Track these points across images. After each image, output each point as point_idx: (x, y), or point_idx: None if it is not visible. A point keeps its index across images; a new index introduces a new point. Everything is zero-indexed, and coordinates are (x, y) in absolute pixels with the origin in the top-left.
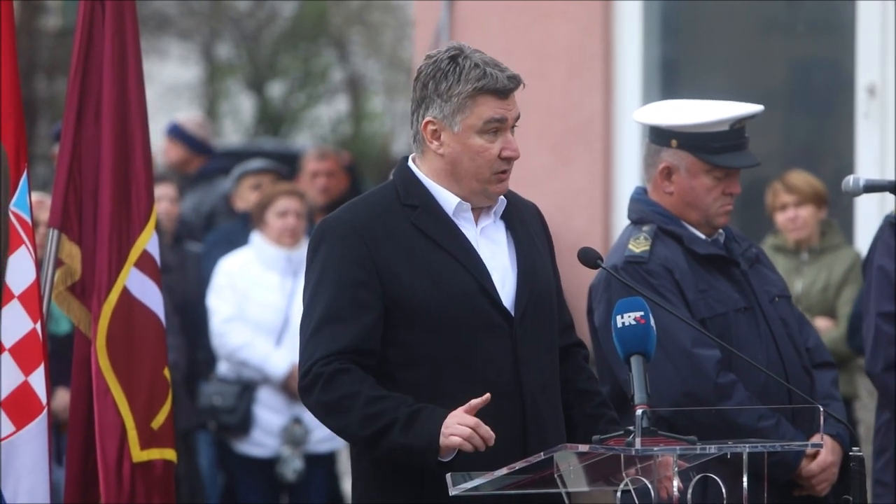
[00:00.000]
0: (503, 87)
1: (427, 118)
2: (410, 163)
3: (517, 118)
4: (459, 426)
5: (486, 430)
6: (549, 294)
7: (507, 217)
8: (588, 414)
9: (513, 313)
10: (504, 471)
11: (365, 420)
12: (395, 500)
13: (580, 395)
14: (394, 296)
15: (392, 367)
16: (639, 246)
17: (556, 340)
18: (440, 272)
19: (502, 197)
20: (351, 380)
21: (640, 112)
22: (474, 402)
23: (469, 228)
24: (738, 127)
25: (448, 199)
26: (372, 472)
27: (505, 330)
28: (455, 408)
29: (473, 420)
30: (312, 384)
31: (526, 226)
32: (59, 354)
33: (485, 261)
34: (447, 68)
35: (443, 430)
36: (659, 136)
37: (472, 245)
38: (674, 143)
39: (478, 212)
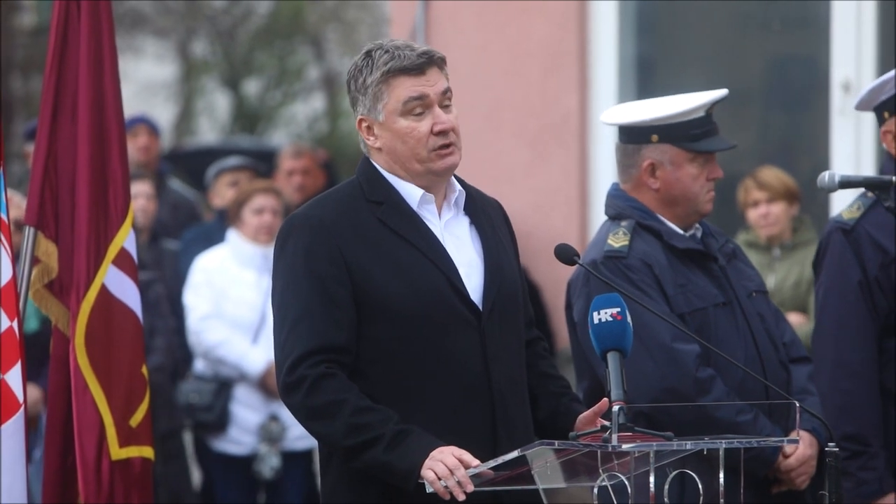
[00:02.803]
0: (412, 65)
1: (359, 117)
2: (372, 159)
3: (444, 91)
4: (440, 464)
5: (464, 476)
6: (516, 289)
7: (470, 212)
8: (552, 392)
9: (480, 308)
10: (481, 468)
11: (350, 430)
12: (365, 500)
13: (543, 377)
14: (363, 291)
15: (361, 363)
16: (618, 241)
17: (522, 336)
18: (408, 267)
19: (461, 188)
20: (338, 386)
21: (609, 115)
22: (469, 457)
23: (434, 222)
24: (710, 112)
25: (411, 193)
26: (342, 471)
27: (473, 325)
28: (424, 403)
29: (456, 463)
30: (297, 385)
31: (490, 221)
32: (28, 352)
33: (451, 255)
34: (362, 64)
35: (427, 460)
36: (636, 135)
37: (438, 240)
38: (654, 137)
39: (438, 205)
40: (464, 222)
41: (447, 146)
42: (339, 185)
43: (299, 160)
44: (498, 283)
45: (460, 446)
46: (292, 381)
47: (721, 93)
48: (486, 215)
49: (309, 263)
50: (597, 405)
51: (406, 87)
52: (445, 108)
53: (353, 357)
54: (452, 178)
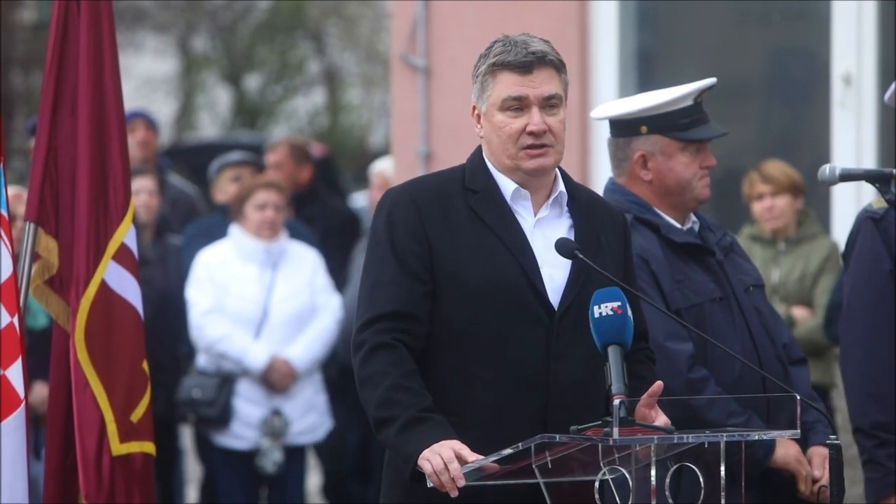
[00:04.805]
0: (517, 63)
1: (472, 103)
2: (482, 148)
3: (550, 96)
4: (437, 456)
5: (456, 470)
6: None
7: (577, 216)
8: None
9: (556, 308)
10: (479, 462)
11: (381, 403)
12: (412, 500)
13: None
14: (440, 272)
15: (429, 341)
16: None
17: None
18: (488, 256)
19: (562, 189)
20: (390, 358)
21: (598, 110)
22: (467, 452)
23: (526, 218)
24: (699, 101)
25: (506, 186)
26: (398, 473)
27: (543, 322)
28: (480, 389)
29: (451, 456)
30: (357, 349)
31: (597, 229)
32: (37, 349)
33: (537, 252)
34: (485, 52)
35: (425, 451)
36: (626, 128)
37: (524, 235)
38: (643, 129)
39: (537, 202)
40: (563, 223)
41: (539, 146)
42: (447, 168)
43: (271, 154)
44: (580, 285)
45: (508, 438)
46: (356, 342)
47: (708, 81)
48: (589, 222)
49: (393, 235)
50: (651, 388)
51: (508, 84)
52: (549, 110)
53: (424, 328)
54: (559, 177)
